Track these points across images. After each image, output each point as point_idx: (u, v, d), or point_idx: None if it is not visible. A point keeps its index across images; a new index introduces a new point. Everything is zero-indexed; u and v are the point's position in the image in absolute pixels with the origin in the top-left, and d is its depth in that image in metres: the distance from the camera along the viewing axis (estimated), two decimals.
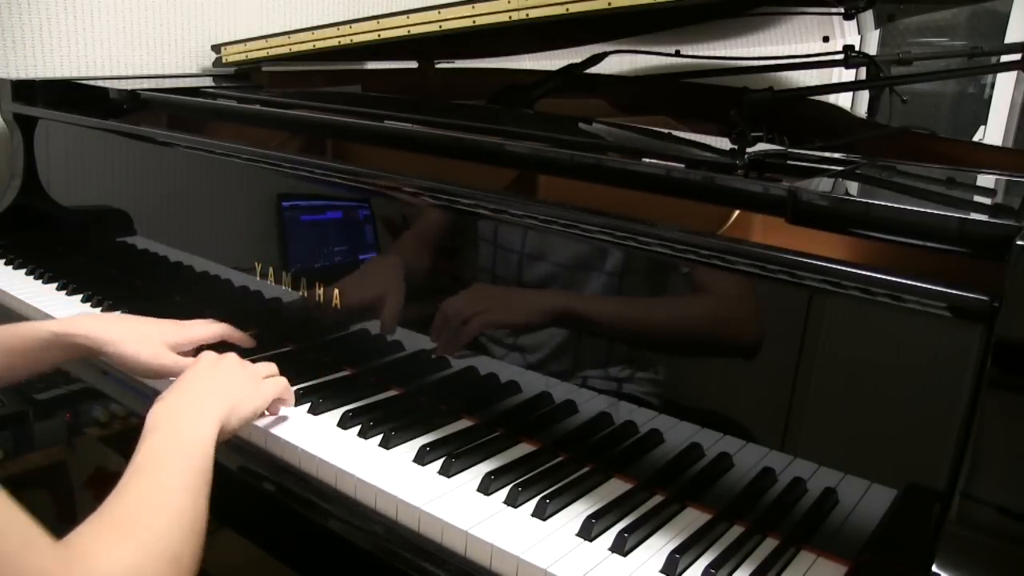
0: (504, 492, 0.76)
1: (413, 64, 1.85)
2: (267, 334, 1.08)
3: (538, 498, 0.74)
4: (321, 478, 0.82)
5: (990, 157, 1.29)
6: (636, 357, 0.81)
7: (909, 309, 0.63)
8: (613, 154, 0.91)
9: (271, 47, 1.55)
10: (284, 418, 0.89)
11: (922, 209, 0.66)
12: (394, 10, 1.29)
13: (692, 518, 0.74)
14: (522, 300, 0.88)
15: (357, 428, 0.87)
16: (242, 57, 1.65)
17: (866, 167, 0.88)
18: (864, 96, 1.53)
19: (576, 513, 0.74)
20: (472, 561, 0.71)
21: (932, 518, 0.63)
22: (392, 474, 0.79)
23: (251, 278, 1.11)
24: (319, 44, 1.43)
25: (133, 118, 1.38)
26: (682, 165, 0.83)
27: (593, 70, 1.48)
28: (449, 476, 0.79)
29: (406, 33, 1.27)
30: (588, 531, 0.71)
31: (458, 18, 1.18)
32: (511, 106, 1.38)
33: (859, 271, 0.65)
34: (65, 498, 1.48)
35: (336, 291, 1.01)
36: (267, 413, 0.89)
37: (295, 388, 0.93)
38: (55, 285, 1.30)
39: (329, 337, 1.04)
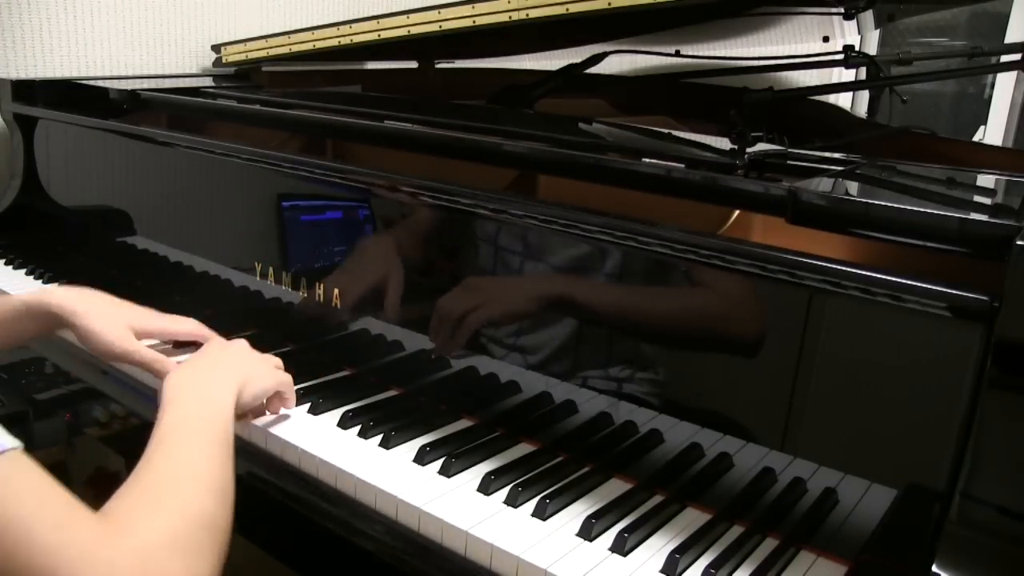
0: (504, 492, 0.76)
1: (413, 64, 1.85)
2: (267, 334, 1.08)
3: (538, 498, 0.74)
4: (321, 478, 0.82)
5: (990, 157, 1.29)
6: (636, 357, 0.81)
7: (909, 309, 0.63)
8: (613, 154, 0.91)
9: (271, 47, 1.55)
10: (284, 418, 0.89)
11: (922, 209, 0.66)
12: (394, 10, 1.29)
13: (692, 518, 0.74)
14: (516, 289, 0.88)
15: (357, 428, 0.87)
16: (242, 57, 1.65)
17: (866, 167, 0.88)
18: (864, 96, 1.53)
19: (576, 513, 0.74)
20: (472, 561, 0.71)
21: (932, 518, 0.63)
22: (392, 474, 0.79)
23: (251, 278, 1.11)
24: (319, 44, 1.43)
25: (133, 118, 1.38)
26: (682, 165, 0.83)
27: (593, 70, 1.48)
28: (449, 476, 0.79)
29: (406, 33, 1.27)
30: (588, 531, 0.71)
31: (458, 18, 1.18)
32: (511, 106, 1.38)
33: (859, 271, 0.65)
34: None
35: (336, 290, 1.01)
36: (268, 413, 0.89)
37: (295, 388, 0.92)
38: (55, 285, 1.30)
39: (329, 337, 1.04)
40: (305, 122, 1.23)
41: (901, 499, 0.66)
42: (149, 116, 1.39)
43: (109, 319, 0.93)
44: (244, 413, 0.86)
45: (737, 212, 0.78)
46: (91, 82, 1.51)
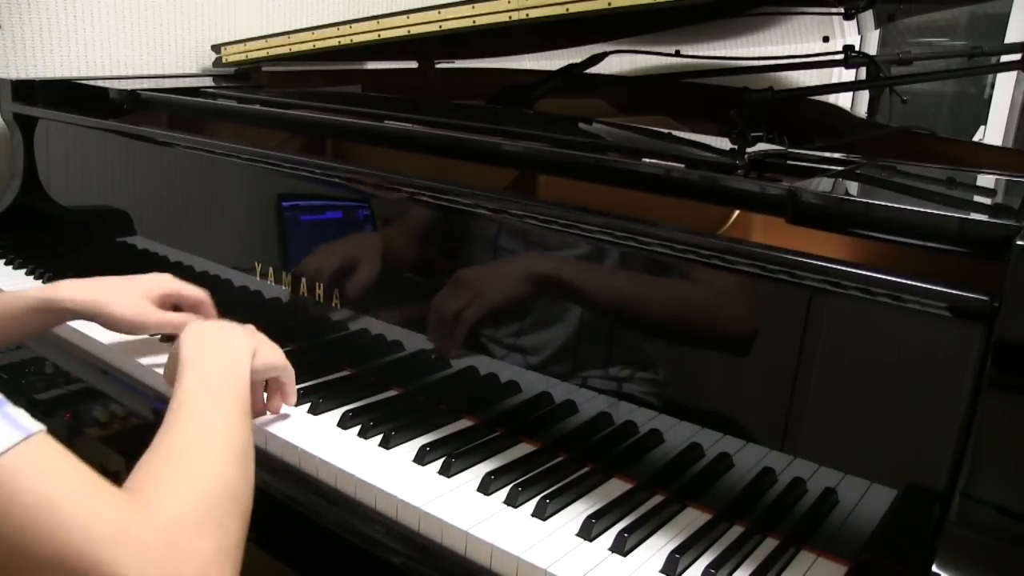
0: (504, 492, 0.76)
1: (413, 64, 1.85)
2: (267, 334, 1.07)
3: (538, 498, 0.74)
4: (321, 478, 0.82)
5: (990, 157, 1.29)
6: (636, 357, 0.81)
7: (909, 309, 0.63)
8: (613, 154, 0.91)
9: (271, 47, 1.55)
10: (284, 418, 0.89)
11: (922, 209, 0.66)
12: (394, 10, 1.29)
13: (692, 518, 0.74)
14: (506, 275, 0.88)
15: (357, 428, 0.87)
16: (242, 57, 1.65)
17: (866, 167, 0.88)
18: (864, 96, 1.53)
19: (576, 513, 0.74)
20: (472, 561, 0.71)
21: (932, 518, 0.63)
22: (392, 474, 0.79)
23: (251, 278, 1.11)
24: (319, 44, 1.43)
25: (133, 118, 1.39)
26: (682, 165, 0.83)
27: (593, 70, 1.48)
28: (449, 476, 0.79)
29: (406, 33, 1.27)
30: (588, 531, 0.71)
31: (458, 18, 1.18)
32: (511, 106, 1.38)
33: (859, 271, 0.65)
34: None
35: (336, 290, 1.01)
36: (268, 412, 0.89)
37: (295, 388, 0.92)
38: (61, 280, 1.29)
39: (329, 337, 1.04)
40: (305, 122, 1.23)
41: (901, 499, 0.66)
42: (149, 116, 1.40)
43: (126, 298, 0.95)
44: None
45: (737, 212, 0.78)
46: (91, 82, 1.51)
